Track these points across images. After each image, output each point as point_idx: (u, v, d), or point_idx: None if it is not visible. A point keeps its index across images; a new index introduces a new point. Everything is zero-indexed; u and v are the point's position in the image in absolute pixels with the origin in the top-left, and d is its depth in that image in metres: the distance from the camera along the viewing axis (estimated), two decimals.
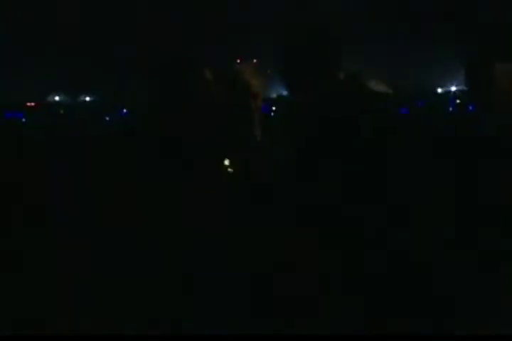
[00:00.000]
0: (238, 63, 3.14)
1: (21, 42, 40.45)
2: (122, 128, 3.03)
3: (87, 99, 40.06)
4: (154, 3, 37.15)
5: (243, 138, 2.94)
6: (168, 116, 2.93)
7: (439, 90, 38.69)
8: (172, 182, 2.86)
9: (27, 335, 3.30)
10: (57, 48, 40.18)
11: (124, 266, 2.82)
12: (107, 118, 30.63)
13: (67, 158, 2.97)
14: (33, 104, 34.95)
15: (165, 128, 2.90)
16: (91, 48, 38.95)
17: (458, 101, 26.76)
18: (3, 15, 38.97)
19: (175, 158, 2.89)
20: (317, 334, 2.38)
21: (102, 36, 38.34)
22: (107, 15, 38.24)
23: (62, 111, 31.19)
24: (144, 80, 3.01)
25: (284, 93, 2.75)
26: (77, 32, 39.50)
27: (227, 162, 2.91)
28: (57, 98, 41.28)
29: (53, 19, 39.41)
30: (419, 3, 35.13)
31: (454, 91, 35.72)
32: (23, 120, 27.72)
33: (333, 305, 2.41)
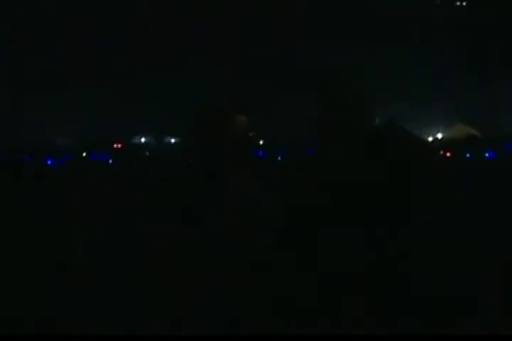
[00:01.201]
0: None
1: (109, 86, 41.70)
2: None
3: (173, 140, 40.69)
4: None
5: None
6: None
7: None
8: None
9: (27, 335, 3.28)
10: (144, 89, 41.23)
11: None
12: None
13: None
14: (119, 145, 35.79)
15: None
16: (177, 90, 39.82)
17: None
18: (92, 60, 40.43)
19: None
20: (318, 334, 2.31)
21: (187, 78, 39.24)
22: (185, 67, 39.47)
23: (147, 153, 31.77)
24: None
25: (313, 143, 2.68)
26: (163, 75, 40.59)
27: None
28: (143, 139, 42.11)
29: (140, 65, 40.67)
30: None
31: None
32: (110, 161, 28.40)
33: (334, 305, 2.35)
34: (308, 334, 2.33)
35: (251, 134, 2.92)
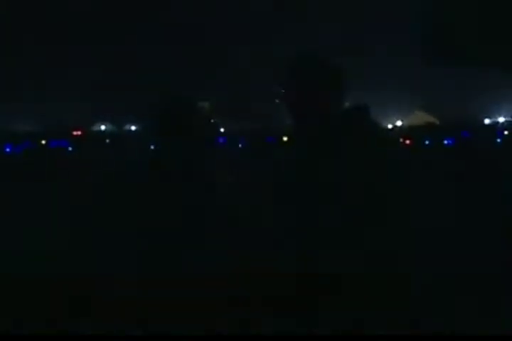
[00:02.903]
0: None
1: (70, 74, 41.35)
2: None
3: (133, 128, 40.39)
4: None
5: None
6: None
7: (487, 121, 38.32)
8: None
9: (27, 335, 3.28)
10: (104, 78, 40.95)
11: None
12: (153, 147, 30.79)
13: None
14: (79, 132, 35.39)
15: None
16: (140, 78, 39.62)
17: (506, 132, 26.40)
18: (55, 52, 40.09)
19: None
20: (318, 334, 2.30)
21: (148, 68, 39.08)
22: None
23: (107, 140, 31.46)
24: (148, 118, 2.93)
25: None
26: (123, 63, 40.41)
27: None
28: (102, 127, 41.75)
29: (103, 56, 40.41)
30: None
31: (503, 123, 35.34)
32: (70, 149, 28.07)
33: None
34: (308, 334, 2.30)
35: (213, 121, 2.92)
